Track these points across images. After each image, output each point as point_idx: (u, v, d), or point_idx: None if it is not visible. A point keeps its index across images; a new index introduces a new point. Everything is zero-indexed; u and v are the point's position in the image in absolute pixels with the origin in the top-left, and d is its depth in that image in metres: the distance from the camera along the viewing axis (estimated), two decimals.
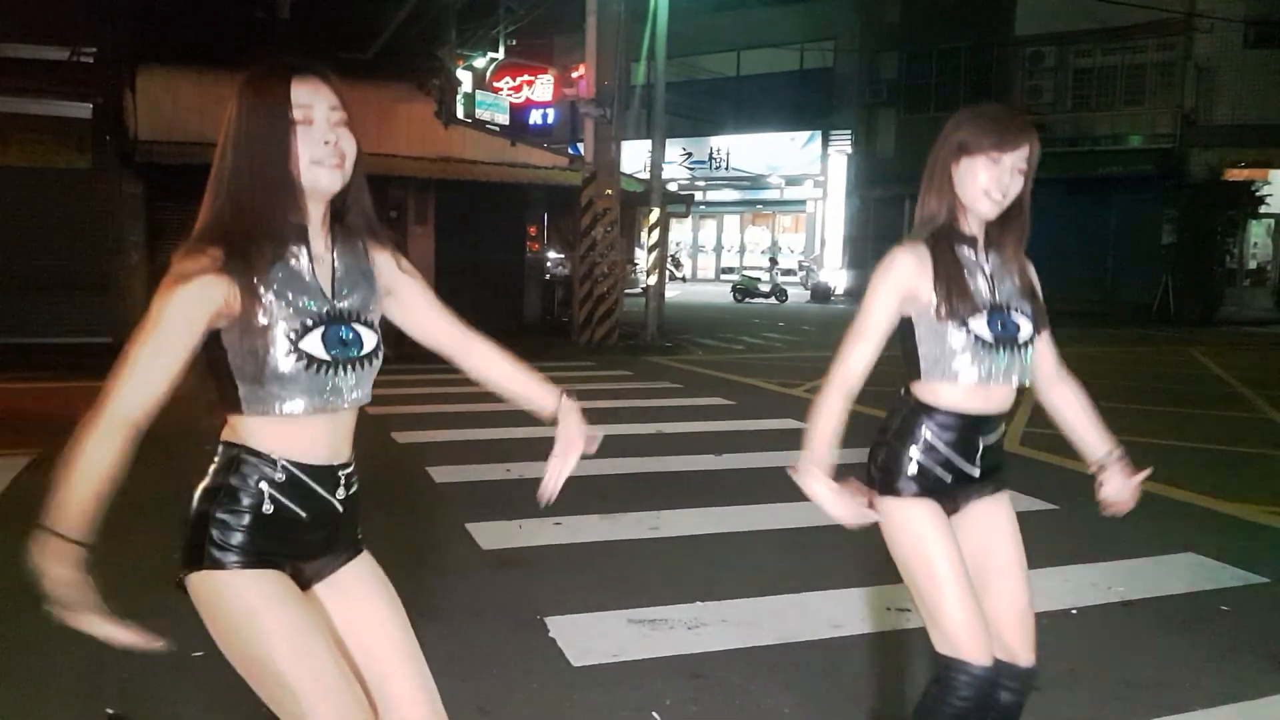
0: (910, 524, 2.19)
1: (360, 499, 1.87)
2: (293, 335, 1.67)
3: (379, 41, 14.41)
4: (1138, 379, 11.79)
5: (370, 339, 1.77)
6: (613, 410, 8.82)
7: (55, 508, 1.64)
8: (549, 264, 18.59)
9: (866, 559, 4.62)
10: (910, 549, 2.19)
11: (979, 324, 2.11)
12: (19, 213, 12.49)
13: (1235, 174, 22.71)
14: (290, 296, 1.68)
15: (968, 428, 2.18)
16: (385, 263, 1.87)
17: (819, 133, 30.73)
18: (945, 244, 2.15)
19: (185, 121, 12.68)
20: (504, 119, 17.77)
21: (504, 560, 4.56)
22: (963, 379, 2.13)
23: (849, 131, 30.01)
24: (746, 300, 27.05)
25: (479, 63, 18.19)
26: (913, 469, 2.19)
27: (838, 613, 3.97)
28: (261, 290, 1.65)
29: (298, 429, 1.73)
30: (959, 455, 2.18)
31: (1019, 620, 2.21)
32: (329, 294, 1.73)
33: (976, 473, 2.21)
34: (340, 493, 1.81)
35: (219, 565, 1.71)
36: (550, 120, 24.35)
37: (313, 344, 1.68)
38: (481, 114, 16.94)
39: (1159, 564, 4.68)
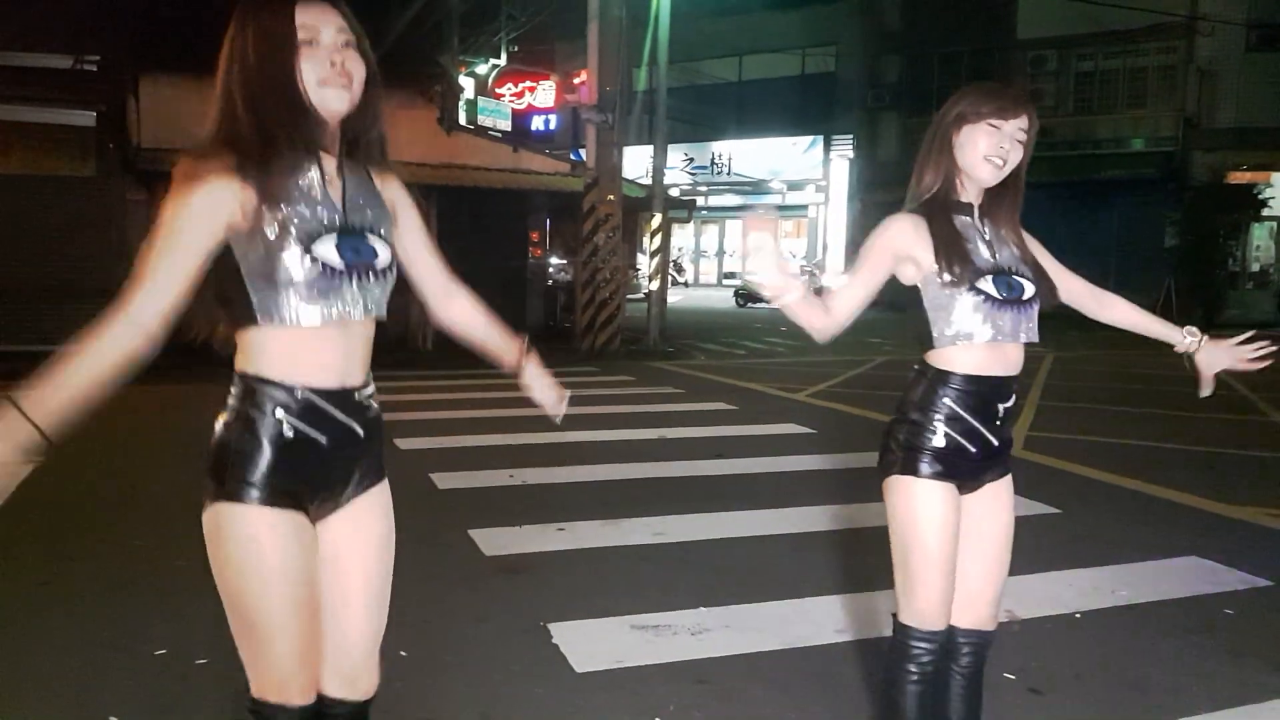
0: (923, 508, 2.24)
1: (376, 434, 1.87)
2: (305, 240, 1.68)
3: (382, 48, 14.40)
4: (1140, 381, 11.77)
5: (384, 252, 1.80)
6: (615, 415, 8.82)
7: (35, 388, 1.58)
8: (551, 270, 18.61)
9: (869, 564, 4.62)
10: (914, 531, 2.26)
11: (987, 284, 2.17)
12: (23, 220, 12.50)
13: (1237, 177, 22.71)
14: (302, 207, 1.70)
15: (987, 392, 2.22)
16: (392, 187, 1.90)
17: (821, 137, 30.75)
18: (941, 213, 2.22)
19: (188, 129, 12.58)
20: (506, 125, 17.81)
21: (507, 566, 4.56)
22: (977, 339, 2.18)
23: (851, 136, 30.04)
24: (749, 305, 27.05)
25: (481, 69, 18.24)
26: (939, 441, 2.22)
27: (841, 618, 3.96)
28: (273, 200, 1.67)
29: (309, 347, 1.73)
30: (981, 422, 2.23)
31: (993, 596, 2.35)
32: (340, 208, 1.75)
33: (997, 441, 2.27)
34: (361, 417, 1.81)
35: (237, 499, 1.71)
36: (552, 126, 24.37)
37: (325, 249, 1.70)
38: (484, 120, 16.99)
39: (1162, 568, 4.67)
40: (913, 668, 2.29)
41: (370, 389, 1.85)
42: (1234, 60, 22.90)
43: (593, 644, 3.65)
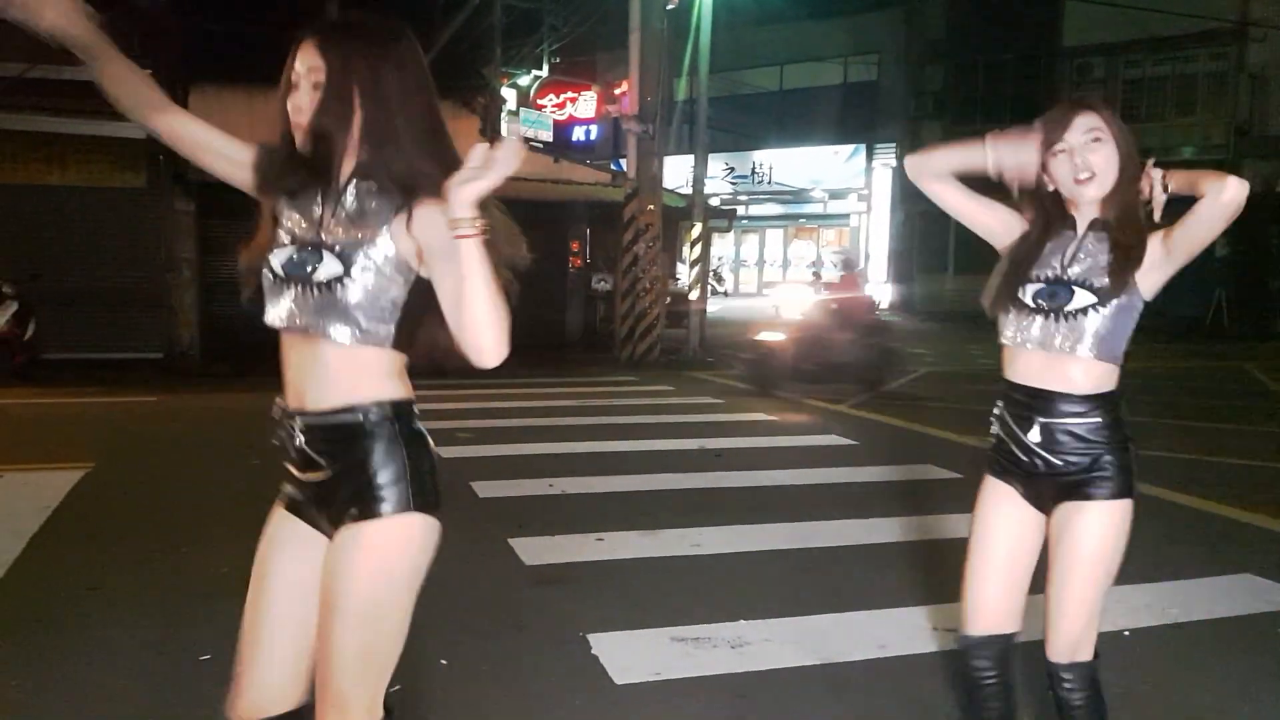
0: (979, 502, 2.37)
1: (363, 468, 1.76)
2: (272, 246, 1.84)
3: (425, 60, 14.57)
4: (1191, 395, 11.55)
5: (332, 267, 1.75)
6: (654, 425, 8.81)
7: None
8: (591, 279, 18.64)
9: (912, 578, 4.57)
10: (972, 523, 2.37)
11: (1025, 294, 2.24)
12: (75, 230, 12.79)
13: None
14: (284, 218, 1.85)
15: (1025, 401, 2.26)
16: (430, 217, 1.74)
17: (863, 146, 30.56)
18: (1041, 224, 2.29)
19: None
20: (547, 136, 17.93)
21: (546, 576, 4.56)
22: (1004, 340, 2.29)
23: (894, 145, 29.83)
24: None
25: (523, 80, 18.36)
26: (991, 439, 2.36)
27: (883, 633, 3.91)
28: (269, 204, 1.88)
29: (285, 361, 1.84)
30: (1021, 430, 2.26)
31: (1060, 624, 2.30)
32: (319, 224, 1.81)
33: (1038, 461, 2.24)
34: (318, 445, 1.78)
35: None
36: (593, 136, 24.47)
37: (277, 258, 1.81)
38: (526, 131, 17.10)
39: (1215, 585, 4.57)
40: (966, 674, 2.34)
41: (334, 419, 1.77)
42: None
43: (632, 655, 3.64)
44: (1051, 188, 2.25)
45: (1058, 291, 2.19)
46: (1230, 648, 3.84)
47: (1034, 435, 2.23)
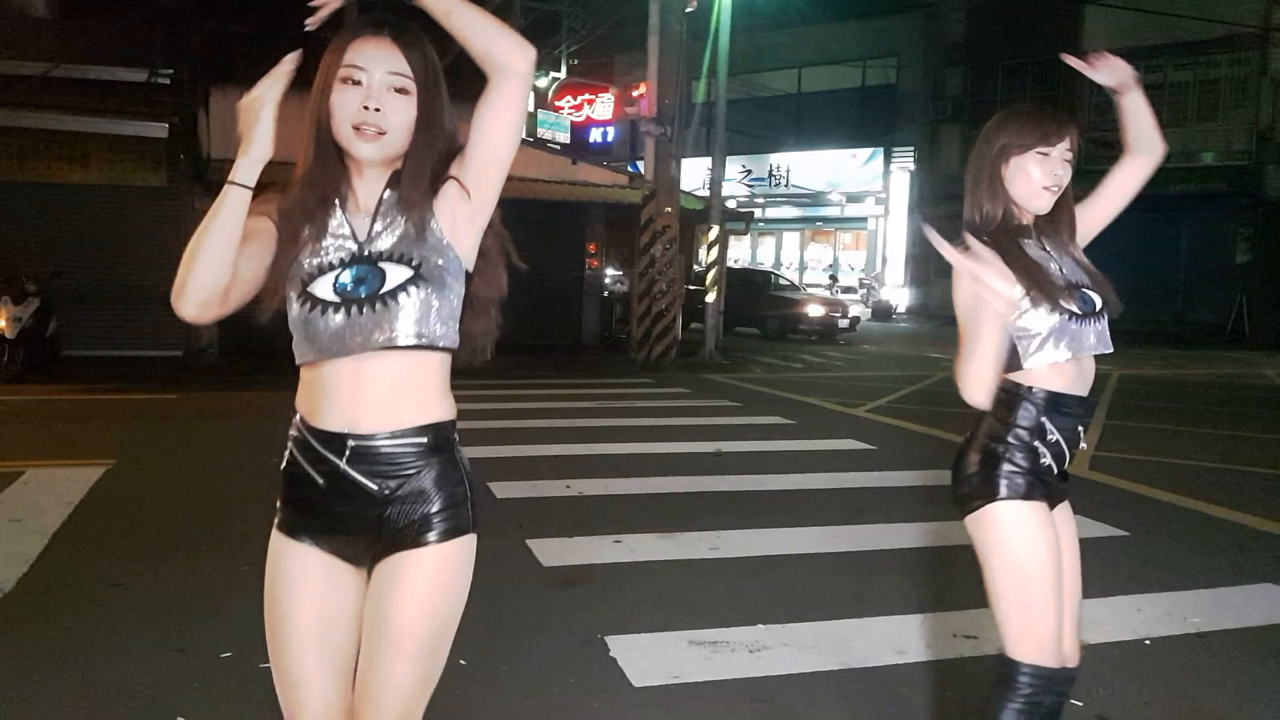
0: (1038, 531, 2.15)
1: (429, 491, 1.71)
2: (305, 280, 1.66)
3: (444, 62, 14.62)
4: (1212, 402, 11.47)
5: (397, 275, 1.64)
6: (671, 428, 8.80)
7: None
8: (608, 281, 18.67)
9: (930, 584, 4.55)
10: (1033, 558, 2.13)
11: (1069, 302, 2.16)
12: (97, 229, 12.91)
13: None
14: (315, 247, 1.68)
15: (1074, 410, 2.20)
16: (448, 193, 1.72)
17: (881, 149, 30.51)
18: (1011, 242, 2.20)
19: None
20: (565, 138, 17.96)
21: (564, 578, 4.56)
22: (1062, 357, 2.16)
23: (912, 148, 29.75)
24: None
25: (541, 82, 18.40)
26: (1032, 461, 2.17)
27: (902, 638, 3.90)
28: (288, 240, 1.68)
29: (313, 385, 1.69)
30: (1067, 441, 2.20)
31: (1075, 627, 2.25)
32: (360, 237, 1.68)
33: (1069, 460, 2.24)
34: (369, 467, 1.66)
35: (276, 523, 1.77)
36: (610, 138, 24.46)
37: (322, 287, 1.65)
38: (543, 133, 17.13)
39: (1237, 595, 4.53)
40: (1021, 702, 2.13)
41: (395, 442, 1.67)
42: None
43: (650, 658, 3.64)
44: (995, 196, 2.22)
45: (1085, 297, 2.19)
46: (1252, 658, 3.81)
47: (1081, 441, 2.22)
